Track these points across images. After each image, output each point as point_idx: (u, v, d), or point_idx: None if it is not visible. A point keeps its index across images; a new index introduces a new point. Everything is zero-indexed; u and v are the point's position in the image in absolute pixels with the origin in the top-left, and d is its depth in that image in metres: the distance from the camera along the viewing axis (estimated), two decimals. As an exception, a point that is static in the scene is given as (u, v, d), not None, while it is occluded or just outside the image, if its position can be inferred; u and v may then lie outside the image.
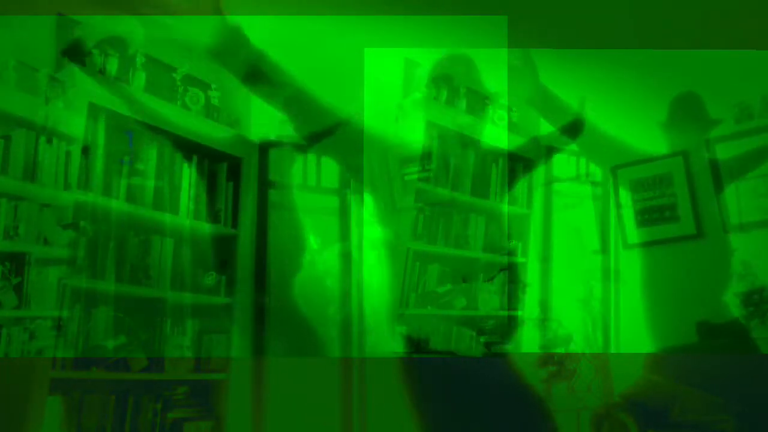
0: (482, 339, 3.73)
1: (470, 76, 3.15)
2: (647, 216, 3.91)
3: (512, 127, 4.28)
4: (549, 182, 4.33)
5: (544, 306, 3.42)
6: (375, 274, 3.03)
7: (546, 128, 3.33)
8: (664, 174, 3.88)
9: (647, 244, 3.89)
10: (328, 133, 2.34)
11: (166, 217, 3.12)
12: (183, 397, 3.11)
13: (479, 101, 3.73)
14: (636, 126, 4.00)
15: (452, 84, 4.00)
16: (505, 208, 3.66)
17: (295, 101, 2.34)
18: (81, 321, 2.78)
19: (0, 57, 2.67)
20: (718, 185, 3.72)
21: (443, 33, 3.46)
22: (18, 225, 2.65)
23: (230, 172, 3.36)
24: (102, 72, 2.96)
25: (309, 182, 3.45)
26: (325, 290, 3.38)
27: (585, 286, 3.40)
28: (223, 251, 3.32)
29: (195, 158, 3.25)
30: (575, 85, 4.19)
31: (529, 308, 3.52)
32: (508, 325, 3.29)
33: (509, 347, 3.72)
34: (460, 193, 3.59)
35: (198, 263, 3.23)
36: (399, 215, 2.53)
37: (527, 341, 3.53)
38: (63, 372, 2.68)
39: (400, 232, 2.53)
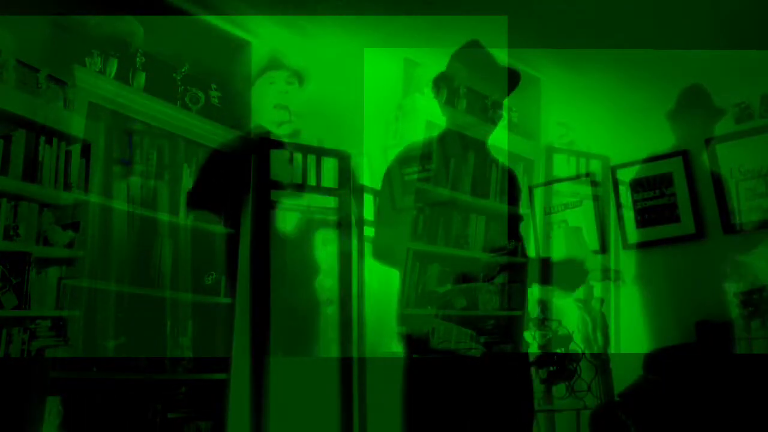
0: (482, 339, 3.72)
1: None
2: (647, 216, 3.91)
3: (512, 127, 4.28)
4: (549, 182, 4.33)
5: (544, 306, 3.42)
6: (375, 274, 3.03)
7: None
8: (664, 174, 3.89)
9: (647, 244, 3.89)
10: None
11: (166, 217, 3.12)
12: (183, 397, 3.11)
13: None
14: (636, 125, 4.00)
15: (452, 84, 4.00)
16: (505, 208, 3.66)
17: None
18: (81, 321, 2.78)
19: (0, 57, 2.67)
20: (718, 185, 3.72)
21: (443, 33, 3.46)
22: (18, 225, 2.65)
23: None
24: (102, 72, 2.96)
25: (309, 182, 3.45)
26: (325, 290, 3.38)
27: (585, 286, 3.40)
28: (223, 251, 3.32)
29: (195, 158, 3.25)
30: (575, 84, 4.21)
31: (528, 308, 3.52)
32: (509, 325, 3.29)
33: (509, 347, 3.72)
34: (460, 193, 3.59)
35: (198, 263, 3.23)
36: (399, 215, 2.52)
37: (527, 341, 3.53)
38: (63, 372, 2.68)
39: (400, 232, 2.53)
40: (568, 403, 3.24)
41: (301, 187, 3.24)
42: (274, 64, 3.36)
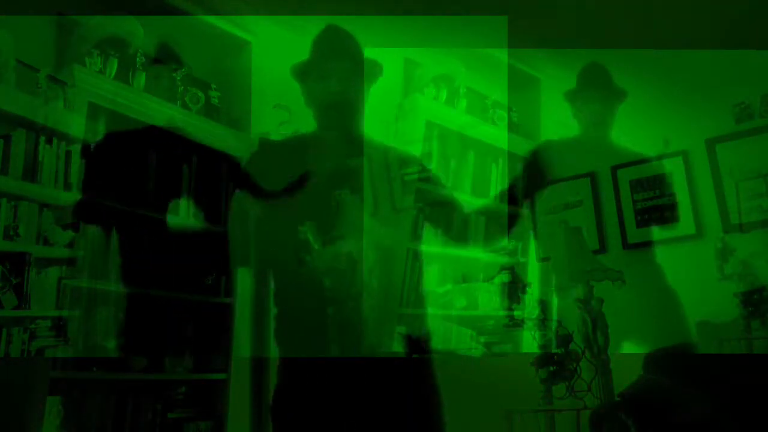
0: (482, 339, 3.73)
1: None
2: (647, 216, 3.91)
3: (512, 127, 4.28)
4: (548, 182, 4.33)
5: (544, 306, 3.42)
6: (375, 274, 3.02)
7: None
8: (664, 174, 3.89)
9: (647, 244, 3.89)
10: None
11: (166, 217, 3.12)
12: (183, 397, 3.11)
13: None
14: (636, 126, 3.99)
15: (452, 84, 4.00)
16: (505, 208, 3.66)
17: None
18: (81, 321, 2.78)
19: (0, 57, 2.67)
20: (718, 185, 3.72)
21: (443, 33, 3.46)
22: (18, 225, 2.66)
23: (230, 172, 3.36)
24: (102, 72, 2.96)
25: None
26: (324, 290, 3.37)
27: (585, 286, 3.39)
28: (223, 251, 3.32)
29: (195, 158, 3.25)
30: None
31: (529, 308, 3.52)
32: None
33: (508, 347, 3.72)
34: (460, 193, 3.60)
35: (198, 263, 3.23)
36: (399, 215, 2.52)
37: (527, 341, 3.53)
38: (63, 372, 2.68)
39: (400, 232, 2.53)
40: (568, 403, 3.23)
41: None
42: (159, 59, 3.31)
